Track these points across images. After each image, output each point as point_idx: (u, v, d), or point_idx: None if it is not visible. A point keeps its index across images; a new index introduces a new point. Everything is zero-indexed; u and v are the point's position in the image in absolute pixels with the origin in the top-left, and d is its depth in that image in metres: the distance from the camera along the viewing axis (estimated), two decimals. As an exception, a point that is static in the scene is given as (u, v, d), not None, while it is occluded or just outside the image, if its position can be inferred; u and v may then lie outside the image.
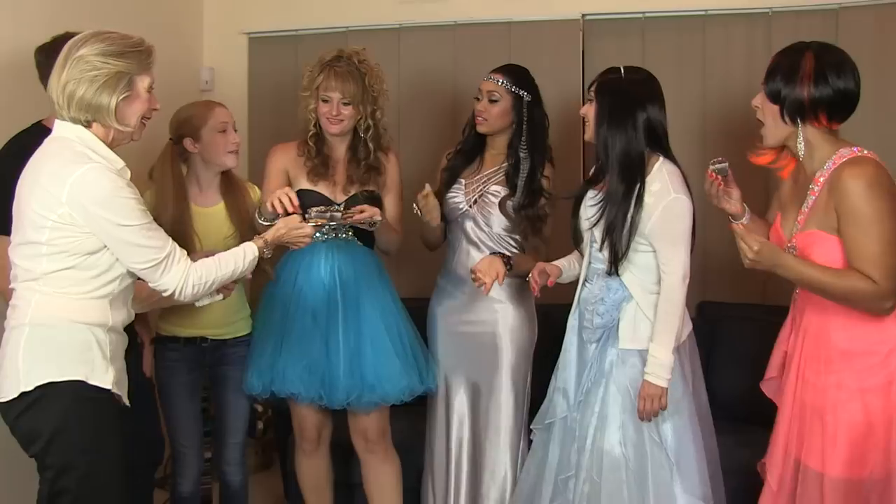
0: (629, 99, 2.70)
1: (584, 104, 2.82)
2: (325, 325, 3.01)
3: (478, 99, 3.12)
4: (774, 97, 2.41)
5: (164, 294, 2.37)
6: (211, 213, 3.02)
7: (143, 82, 2.32)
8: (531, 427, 2.95)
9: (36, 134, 2.79)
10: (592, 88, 2.78)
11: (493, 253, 3.02)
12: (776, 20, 3.86)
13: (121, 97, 2.27)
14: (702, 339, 3.79)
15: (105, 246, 2.26)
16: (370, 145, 3.05)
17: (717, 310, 3.84)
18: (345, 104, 3.00)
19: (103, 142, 2.29)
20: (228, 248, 2.81)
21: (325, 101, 3.02)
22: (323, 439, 3.23)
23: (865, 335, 2.36)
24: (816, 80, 2.34)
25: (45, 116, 2.84)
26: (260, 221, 2.88)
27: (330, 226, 2.75)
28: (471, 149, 3.20)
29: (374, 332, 3.03)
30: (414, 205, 3.00)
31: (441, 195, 3.12)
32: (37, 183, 2.24)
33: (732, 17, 3.94)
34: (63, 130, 2.29)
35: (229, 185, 3.09)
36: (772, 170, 2.60)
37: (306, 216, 2.67)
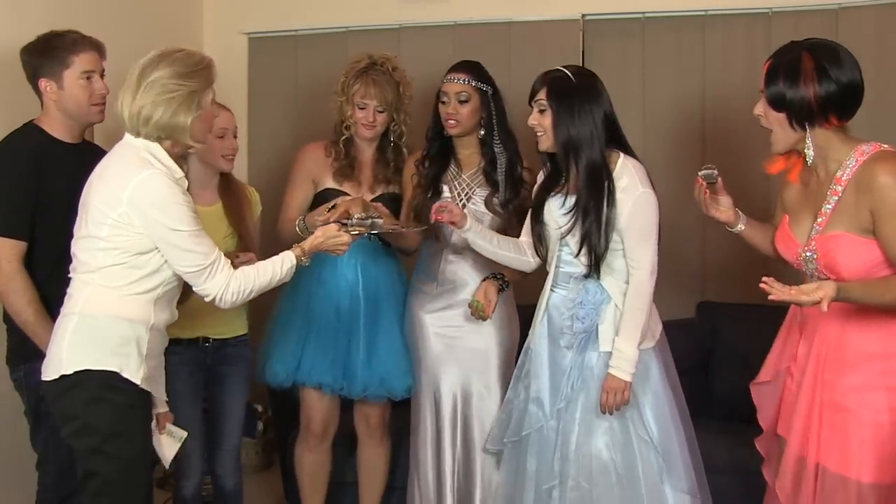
0: (585, 98, 2.64)
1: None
2: (347, 319, 3.14)
3: (443, 102, 3.09)
4: (778, 103, 2.30)
5: (206, 299, 2.46)
6: (208, 212, 3.01)
7: (207, 97, 2.44)
8: (504, 440, 2.89)
9: (28, 134, 2.80)
10: (541, 96, 2.67)
11: (486, 278, 3.00)
12: (776, 20, 3.86)
13: (194, 115, 2.39)
14: (702, 339, 3.83)
15: (156, 248, 2.37)
16: (403, 149, 3.21)
17: (717, 310, 3.84)
18: (380, 111, 3.13)
19: (167, 152, 2.41)
20: (227, 249, 2.84)
21: (361, 108, 3.13)
22: (328, 435, 3.30)
23: (888, 337, 2.28)
24: (819, 78, 2.24)
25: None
26: (297, 232, 3.00)
27: (371, 234, 2.76)
28: (439, 153, 3.17)
29: (390, 328, 3.17)
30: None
31: (423, 205, 3.07)
32: (102, 182, 2.38)
33: (732, 17, 3.93)
34: (131, 139, 2.42)
35: (228, 185, 3.11)
36: (779, 173, 2.52)
37: (347, 224, 2.69)
